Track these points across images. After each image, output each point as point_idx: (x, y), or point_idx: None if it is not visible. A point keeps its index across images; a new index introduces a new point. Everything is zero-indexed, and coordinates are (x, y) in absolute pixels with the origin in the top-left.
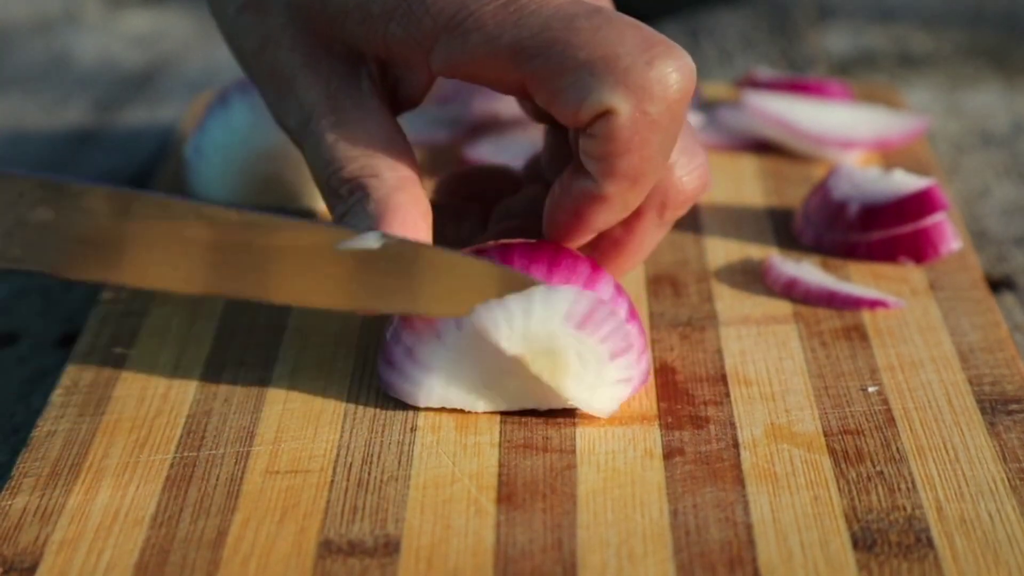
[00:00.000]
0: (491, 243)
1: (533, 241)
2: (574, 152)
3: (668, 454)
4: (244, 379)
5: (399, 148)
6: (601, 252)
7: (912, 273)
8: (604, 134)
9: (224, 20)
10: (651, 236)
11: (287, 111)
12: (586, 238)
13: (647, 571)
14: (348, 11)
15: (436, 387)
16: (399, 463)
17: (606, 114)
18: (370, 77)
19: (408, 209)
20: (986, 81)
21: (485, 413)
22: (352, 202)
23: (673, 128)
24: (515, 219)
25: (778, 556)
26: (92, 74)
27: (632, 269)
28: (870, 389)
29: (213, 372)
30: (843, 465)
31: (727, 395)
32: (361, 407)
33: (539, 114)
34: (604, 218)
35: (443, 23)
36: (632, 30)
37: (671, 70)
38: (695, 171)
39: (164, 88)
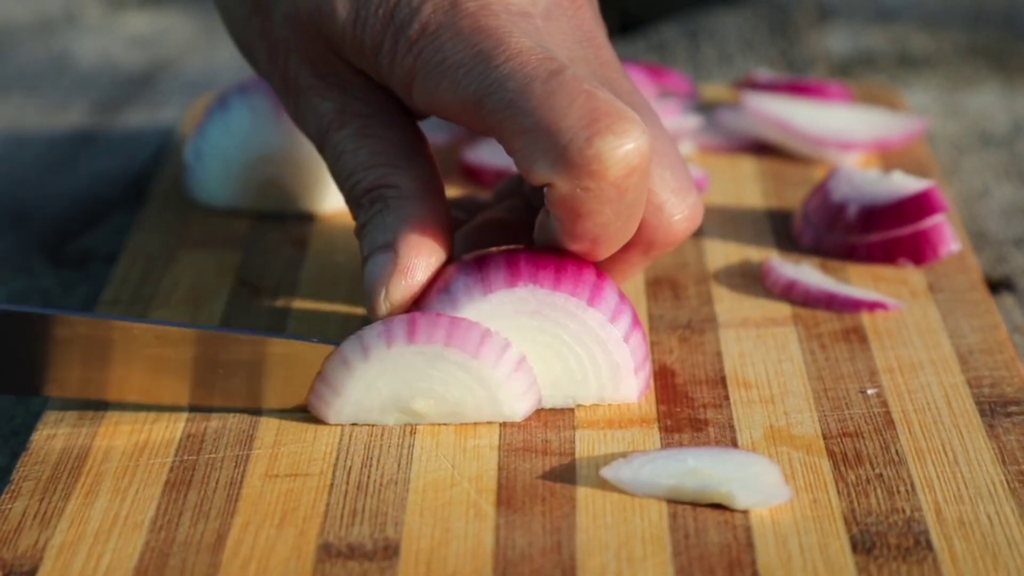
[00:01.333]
0: (495, 249)
1: (537, 248)
2: None
3: None
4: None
5: (419, 155)
6: None
7: (911, 275)
8: (551, 203)
9: (234, 24)
10: (635, 269)
11: (305, 119)
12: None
13: (646, 574)
14: (344, 38)
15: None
16: (398, 466)
17: (549, 187)
18: (381, 86)
19: (426, 222)
20: (986, 81)
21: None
22: (372, 213)
23: (626, 198)
24: (498, 212)
25: (777, 559)
26: (92, 75)
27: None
28: (869, 391)
29: None
30: (842, 468)
31: (726, 398)
32: None
33: None
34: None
35: (421, 64)
36: (583, 99)
37: (613, 147)
38: (685, 211)
39: (164, 89)
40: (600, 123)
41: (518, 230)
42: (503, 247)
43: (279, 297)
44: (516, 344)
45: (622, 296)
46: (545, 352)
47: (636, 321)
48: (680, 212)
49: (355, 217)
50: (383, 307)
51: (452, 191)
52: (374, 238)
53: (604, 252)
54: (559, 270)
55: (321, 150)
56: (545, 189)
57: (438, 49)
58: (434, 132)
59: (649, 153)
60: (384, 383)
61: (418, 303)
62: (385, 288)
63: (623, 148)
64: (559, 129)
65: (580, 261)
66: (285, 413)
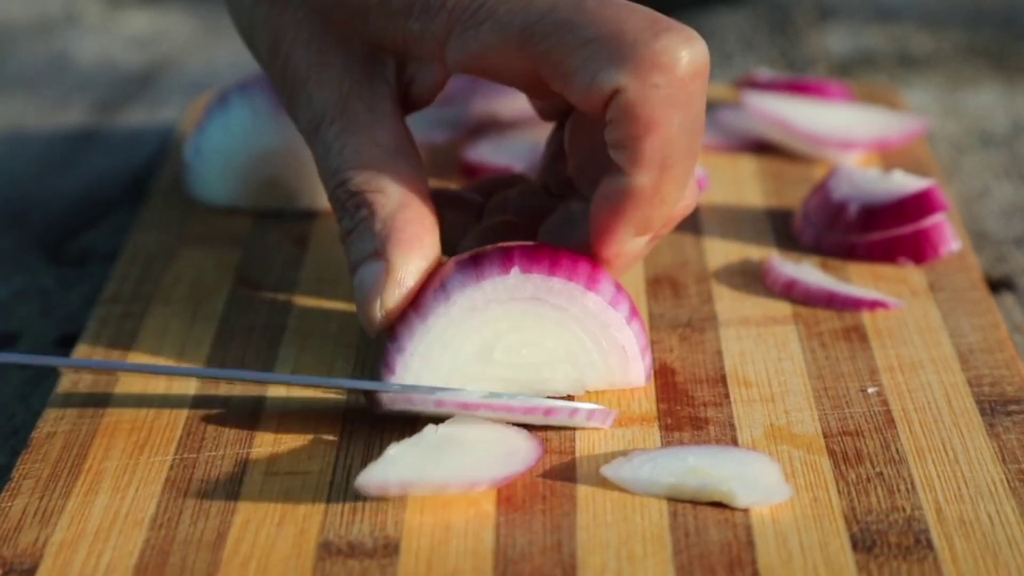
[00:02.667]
0: (491, 247)
1: (532, 243)
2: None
3: None
4: (243, 381)
5: (407, 158)
6: None
7: (912, 274)
8: (618, 117)
9: (241, 13)
10: (630, 255)
11: (298, 111)
12: (627, 245)
13: (647, 573)
14: (369, 7)
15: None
16: None
17: (617, 94)
18: (385, 78)
19: (414, 227)
20: (986, 81)
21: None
22: (359, 219)
23: (692, 107)
24: (508, 214)
25: (777, 558)
26: (92, 75)
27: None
28: (870, 390)
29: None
30: (842, 466)
31: (727, 396)
32: (360, 407)
33: (548, 112)
34: (643, 216)
35: (458, 15)
36: (640, 11)
37: (678, 43)
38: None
39: (164, 89)
40: (662, 24)
41: (530, 232)
42: (501, 243)
43: (279, 295)
44: (516, 328)
45: (619, 286)
46: (547, 337)
47: (635, 310)
48: None
49: (339, 220)
50: (378, 315)
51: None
52: (362, 247)
53: (673, 181)
54: (554, 260)
55: (311, 144)
56: (609, 111)
57: None
58: (434, 132)
59: (708, 64)
60: (467, 334)
61: (414, 303)
62: (380, 297)
63: (688, 46)
64: (623, 31)
65: (575, 254)
66: (285, 412)
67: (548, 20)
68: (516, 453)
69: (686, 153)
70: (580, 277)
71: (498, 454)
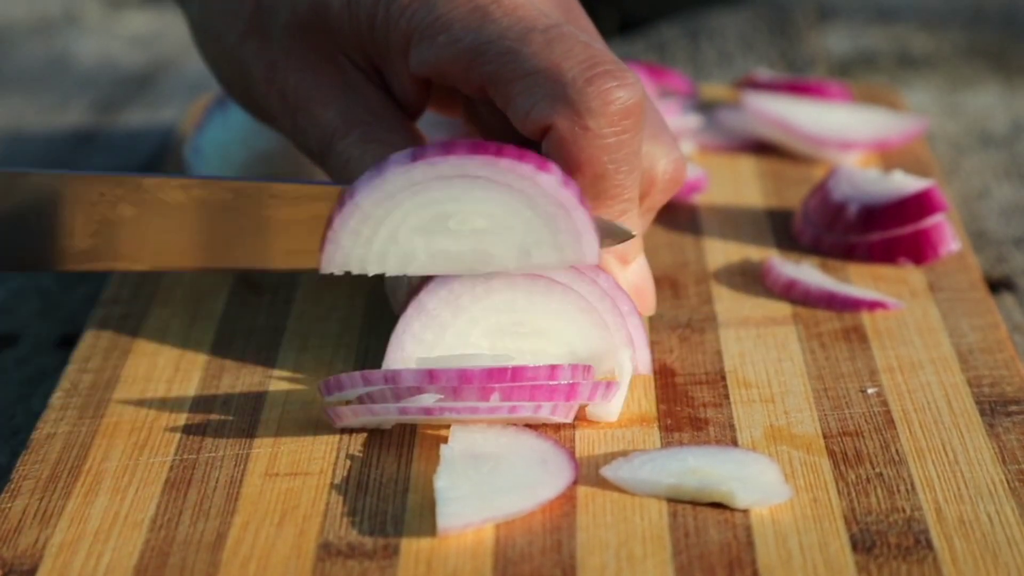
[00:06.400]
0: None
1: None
2: None
3: None
4: (243, 381)
5: None
6: None
7: (911, 274)
8: (552, 150)
9: (224, 54)
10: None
11: (305, 134)
12: (612, 267)
13: (646, 573)
14: (341, 25)
15: None
16: (398, 465)
17: (550, 129)
18: (379, 87)
19: None
20: (985, 82)
21: None
22: None
23: (623, 147)
24: None
25: (777, 558)
26: (92, 75)
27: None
28: (869, 391)
29: (212, 374)
30: (842, 467)
31: (726, 397)
32: None
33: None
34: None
35: (415, 25)
36: (582, 47)
37: (611, 87)
38: (668, 156)
39: (164, 89)
40: (600, 67)
41: None
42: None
43: (279, 296)
44: (461, 204)
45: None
46: (496, 211)
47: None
48: (665, 156)
49: None
50: (404, 292)
51: None
52: None
53: (613, 208)
54: (500, 148)
55: (323, 161)
56: (544, 143)
57: (431, 10)
58: (434, 133)
59: (644, 103)
60: (408, 209)
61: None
62: (408, 276)
63: (621, 89)
64: (560, 70)
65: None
66: (285, 413)
67: (496, 45)
68: (548, 459)
69: (619, 185)
70: (529, 157)
71: (535, 461)
